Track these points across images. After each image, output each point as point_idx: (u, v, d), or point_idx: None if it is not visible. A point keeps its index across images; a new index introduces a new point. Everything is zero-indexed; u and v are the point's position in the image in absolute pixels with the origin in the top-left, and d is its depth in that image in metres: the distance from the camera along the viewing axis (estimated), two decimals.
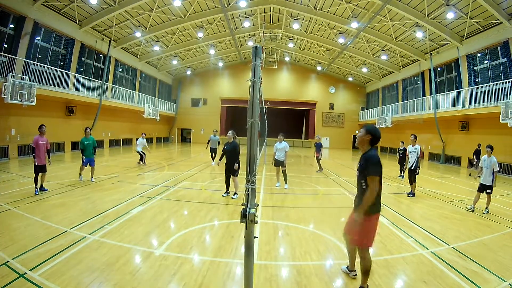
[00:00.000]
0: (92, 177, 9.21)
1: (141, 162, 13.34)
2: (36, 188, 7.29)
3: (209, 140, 14.68)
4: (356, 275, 3.69)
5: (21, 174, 9.68)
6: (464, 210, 7.24)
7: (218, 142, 14.96)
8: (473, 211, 7.12)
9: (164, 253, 4.22)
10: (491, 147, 7.20)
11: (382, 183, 3.31)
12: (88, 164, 9.13)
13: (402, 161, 11.84)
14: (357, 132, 32.74)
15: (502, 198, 8.86)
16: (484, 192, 7.12)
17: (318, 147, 13.76)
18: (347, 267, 3.82)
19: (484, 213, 6.96)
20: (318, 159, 13.73)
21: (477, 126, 16.70)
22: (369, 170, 3.23)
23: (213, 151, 14.80)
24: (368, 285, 3.37)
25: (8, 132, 13.50)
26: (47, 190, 7.55)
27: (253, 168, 2.81)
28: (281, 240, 4.99)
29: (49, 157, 7.69)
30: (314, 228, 5.69)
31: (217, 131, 15.83)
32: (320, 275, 3.79)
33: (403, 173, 12.05)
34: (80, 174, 9.15)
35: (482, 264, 4.12)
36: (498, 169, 7.05)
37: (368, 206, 3.16)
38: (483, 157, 7.27)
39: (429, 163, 19.57)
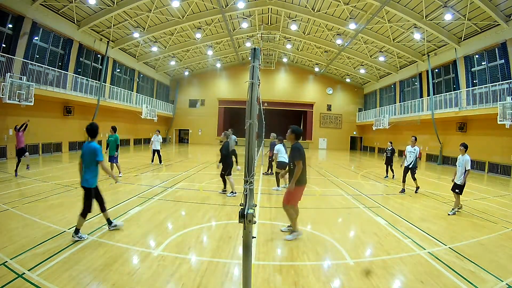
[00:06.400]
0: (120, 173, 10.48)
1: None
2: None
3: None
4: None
5: (19, 174, 9.62)
6: (460, 211, 7.26)
7: (236, 141, 12.47)
8: (455, 214, 6.78)
9: (162, 254, 4.23)
10: (465, 146, 6.85)
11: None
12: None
13: (389, 161, 12.45)
14: (354, 133, 32.91)
15: (499, 198, 8.90)
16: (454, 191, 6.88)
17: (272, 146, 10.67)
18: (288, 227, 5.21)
19: (449, 214, 6.73)
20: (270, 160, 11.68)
21: (474, 127, 16.79)
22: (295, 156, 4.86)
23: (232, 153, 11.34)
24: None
25: (6, 132, 13.46)
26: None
27: (251, 169, 2.82)
28: (278, 241, 5.00)
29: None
30: (311, 228, 5.71)
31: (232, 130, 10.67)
32: (317, 275, 3.81)
33: (388, 173, 12.63)
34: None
35: (479, 264, 4.15)
36: (469, 168, 6.68)
37: (296, 180, 4.81)
38: (459, 156, 6.91)
39: (427, 164, 19.62)
